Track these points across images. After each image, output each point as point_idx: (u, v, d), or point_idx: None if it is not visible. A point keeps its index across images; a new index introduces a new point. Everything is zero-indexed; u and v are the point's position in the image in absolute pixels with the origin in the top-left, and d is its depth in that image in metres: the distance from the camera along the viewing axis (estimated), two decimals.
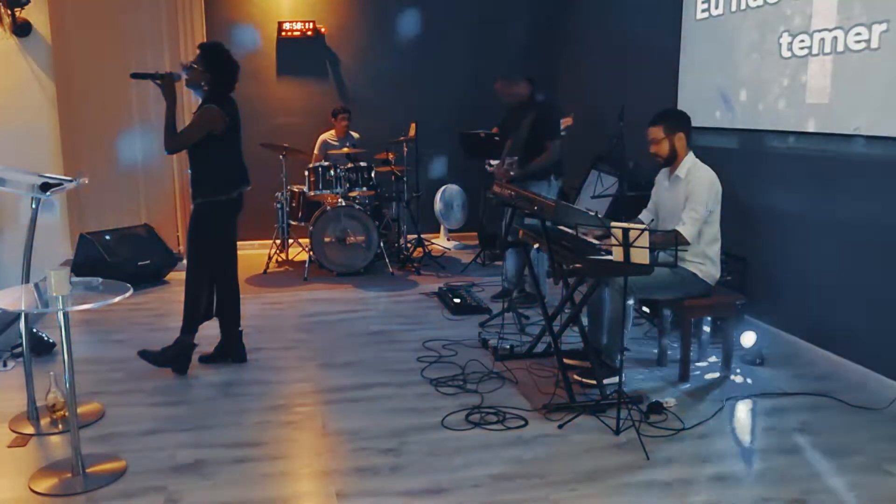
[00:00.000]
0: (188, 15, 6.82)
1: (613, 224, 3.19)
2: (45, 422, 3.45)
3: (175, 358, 4.07)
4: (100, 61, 6.63)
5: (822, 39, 4.05)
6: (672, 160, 3.90)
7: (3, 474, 3.01)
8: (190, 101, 6.45)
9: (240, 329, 4.29)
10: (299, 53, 7.32)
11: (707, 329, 4.24)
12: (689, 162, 3.87)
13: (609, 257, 3.39)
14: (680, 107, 5.25)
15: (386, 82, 7.52)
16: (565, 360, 3.82)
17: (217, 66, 3.97)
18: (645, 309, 4.89)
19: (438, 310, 5.30)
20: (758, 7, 4.55)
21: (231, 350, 4.23)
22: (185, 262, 4.34)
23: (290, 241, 6.90)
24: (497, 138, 5.51)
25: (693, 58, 5.27)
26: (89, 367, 4.09)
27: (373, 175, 6.38)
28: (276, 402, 3.72)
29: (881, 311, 3.82)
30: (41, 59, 6.54)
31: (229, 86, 4.04)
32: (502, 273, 5.40)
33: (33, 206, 3.42)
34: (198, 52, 4.03)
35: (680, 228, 3.73)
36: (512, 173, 5.04)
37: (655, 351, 4.26)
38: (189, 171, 4.15)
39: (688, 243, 3.76)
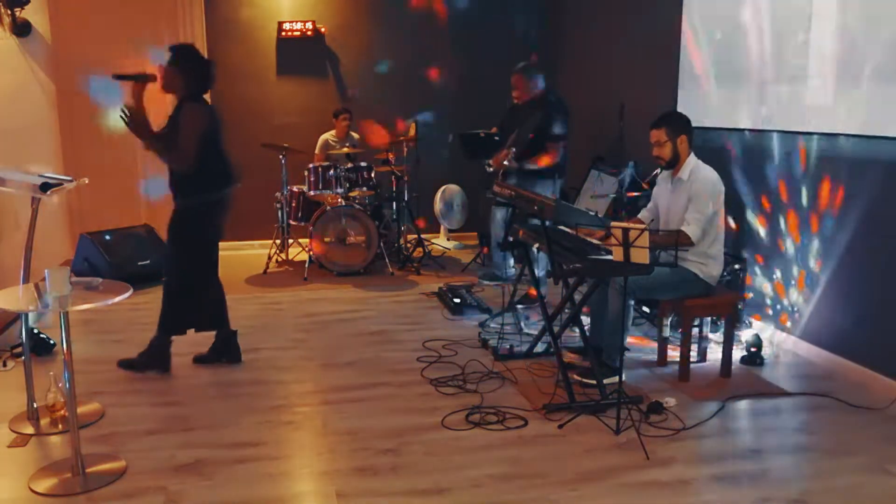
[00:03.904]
0: (188, 15, 6.82)
1: (613, 224, 3.20)
2: (45, 422, 3.45)
3: (154, 360, 4.04)
4: (100, 61, 6.63)
5: (823, 39, 4.05)
6: (674, 163, 3.91)
7: (3, 474, 3.01)
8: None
9: (234, 330, 4.27)
10: (299, 53, 7.32)
11: (707, 329, 4.24)
12: (692, 164, 3.88)
13: (609, 257, 3.39)
14: (680, 107, 5.27)
15: (386, 82, 7.53)
16: (565, 360, 3.82)
17: (190, 67, 3.91)
18: (645, 309, 4.89)
19: (438, 310, 5.30)
20: (759, 5, 4.55)
21: (225, 351, 4.22)
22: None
23: (290, 241, 6.90)
24: (497, 138, 5.51)
25: (693, 57, 5.26)
26: (89, 367, 4.09)
27: (373, 175, 6.38)
28: (276, 402, 3.72)
29: (881, 311, 3.82)
30: (41, 59, 6.53)
31: (204, 86, 3.98)
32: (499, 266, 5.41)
33: (33, 206, 3.42)
34: (169, 53, 3.95)
35: (685, 229, 3.74)
36: (506, 162, 5.04)
37: (655, 351, 4.26)
38: (169, 171, 3.99)
39: (692, 244, 3.77)
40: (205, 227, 4.02)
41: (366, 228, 6.21)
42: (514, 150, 5.07)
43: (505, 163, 5.05)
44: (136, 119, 3.85)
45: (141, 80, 3.88)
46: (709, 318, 4.20)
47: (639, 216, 4.17)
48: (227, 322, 4.26)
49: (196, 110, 3.88)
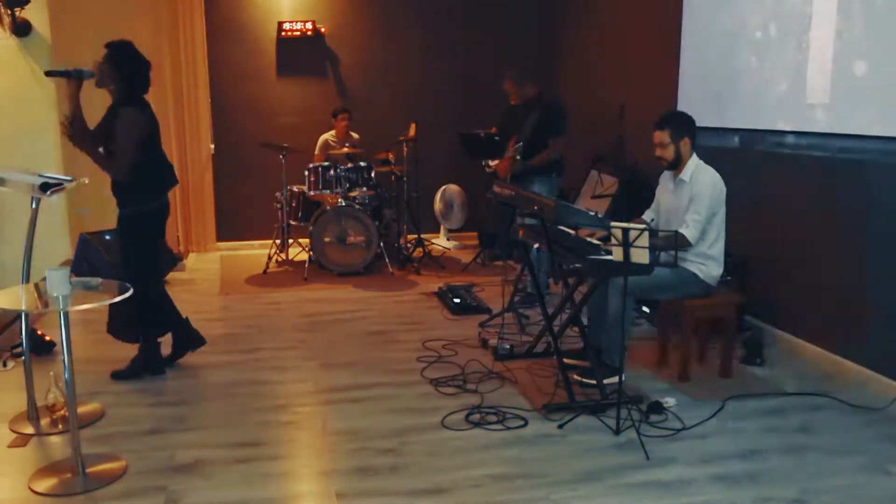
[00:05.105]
0: (188, 15, 6.82)
1: (613, 224, 3.20)
2: (45, 422, 3.45)
3: (146, 365, 4.02)
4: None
5: (823, 38, 4.04)
6: (677, 164, 3.91)
7: (3, 474, 3.01)
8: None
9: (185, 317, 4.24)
10: (299, 53, 7.32)
11: (707, 329, 4.23)
12: (693, 164, 3.88)
13: (609, 257, 3.39)
14: (680, 106, 5.26)
15: (386, 82, 7.53)
16: (565, 360, 3.82)
17: (126, 65, 3.75)
18: (645, 309, 4.89)
19: (438, 310, 5.30)
20: (758, 6, 4.55)
21: (188, 343, 4.19)
22: (129, 272, 3.81)
23: (290, 241, 6.90)
24: (497, 138, 5.51)
25: (693, 56, 5.26)
26: (89, 367, 4.09)
27: (373, 175, 6.38)
28: (276, 402, 3.72)
29: (881, 311, 3.82)
30: (41, 59, 6.53)
31: (142, 86, 3.83)
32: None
33: (33, 206, 3.42)
34: (105, 50, 3.78)
35: (683, 230, 3.74)
36: (517, 157, 5.04)
37: (655, 351, 4.25)
38: (111, 179, 3.86)
39: (690, 245, 3.77)
40: (152, 230, 3.95)
41: (366, 228, 6.22)
42: (520, 144, 5.07)
43: (516, 157, 5.04)
44: (80, 131, 3.70)
45: (75, 76, 3.68)
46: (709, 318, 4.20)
47: (643, 216, 4.17)
48: (179, 317, 4.18)
49: (132, 116, 3.72)
